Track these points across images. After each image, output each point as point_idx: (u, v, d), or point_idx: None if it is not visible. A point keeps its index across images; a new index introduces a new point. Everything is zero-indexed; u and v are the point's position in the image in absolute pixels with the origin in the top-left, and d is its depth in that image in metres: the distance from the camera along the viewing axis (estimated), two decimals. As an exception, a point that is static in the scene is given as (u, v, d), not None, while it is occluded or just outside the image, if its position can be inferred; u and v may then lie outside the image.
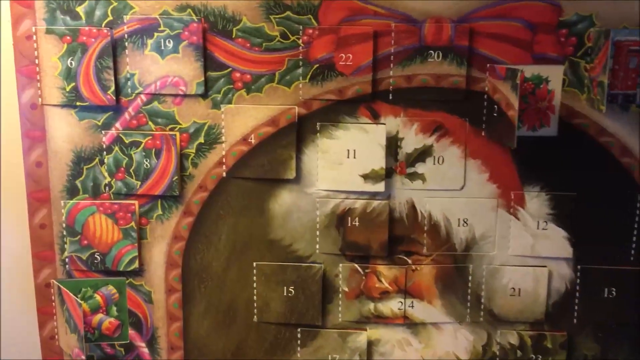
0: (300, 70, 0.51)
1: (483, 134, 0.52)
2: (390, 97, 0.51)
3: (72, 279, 0.55)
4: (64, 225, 0.54)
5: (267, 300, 0.55)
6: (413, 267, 0.54)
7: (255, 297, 0.55)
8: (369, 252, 0.54)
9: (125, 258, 0.54)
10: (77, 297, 0.54)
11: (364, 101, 0.51)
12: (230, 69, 0.51)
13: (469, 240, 0.54)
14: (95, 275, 0.55)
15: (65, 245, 0.54)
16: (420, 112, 0.52)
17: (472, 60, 0.50)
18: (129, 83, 0.51)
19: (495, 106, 0.50)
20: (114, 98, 0.51)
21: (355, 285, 0.54)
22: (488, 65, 0.50)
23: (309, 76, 0.51)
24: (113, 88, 0.51)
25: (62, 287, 0.54)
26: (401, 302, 0.55)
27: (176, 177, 0.52)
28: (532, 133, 0.51)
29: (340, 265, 0.54)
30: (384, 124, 0.52)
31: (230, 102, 0.52)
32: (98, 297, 0.55)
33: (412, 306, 0.55)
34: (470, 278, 0.54)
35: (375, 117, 0.52)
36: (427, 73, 0.51)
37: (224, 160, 0.53)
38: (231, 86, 0.51)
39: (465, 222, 0.53)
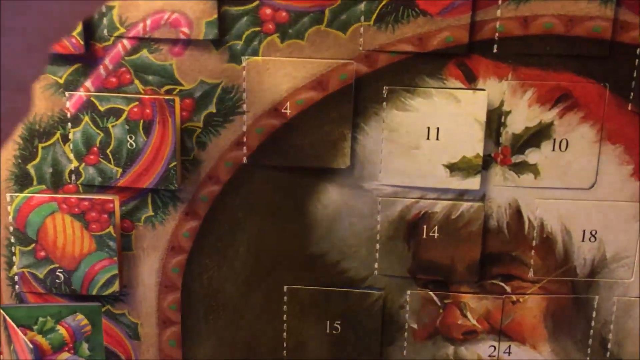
0: (362, 7, 0.34)
1: (630, 107, 0.35)
2: (495, 50, 0.34)
3: (23, 304, 0.38)
4: (11, 229, 0.37)
5: (302, 338, 0.39)
6: (513, 297, 0.38)
7: (285, 335, 0.39)
8: (452, 276, 0.37)
9: (100, 277, 0.38)
10: (32, 329, 0.38)
11: (455, 55, 0.34)
12: (257, 2, 0.34)
13: (597, 262, 0.37)
14: (58, 299, 0.38)
15: (14, 258, 0.38)
16: (538, 73, 0.35)
17: (623, -5, 0.34)
18: (105, 21, 0.34)
19: (661, 66, 0.33)
20: (82, 43, 0.34)
21: (428, 321, 0.38)
22: (648, 3, 0.34)
23: (374, 16, 0.34)
24: (81, 28, 0.34)
25: (7, 317, 0.37)
26: (494, 346, 0.38)
27: (174, 163, 0.36)
28: (703, 108, 0.34)
29: (409, 292, 0.38)
30: (484, 89, 0.35)
31: (256, 53, 0.35)
32: (62, 331, 0.39)
33: (509, 352, 0.39)
34: (594, 314, 0.38)
35: (471, 80, 0.35)
36: (554, 14, 0.34)
37: (244, 140, 0.36)
38: (258, 29, 0.34)
39: (593, 236, 0.37)
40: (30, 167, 0.37)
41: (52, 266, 0.37)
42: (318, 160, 0.36)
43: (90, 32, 0.35)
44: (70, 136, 0.36)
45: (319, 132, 0.35)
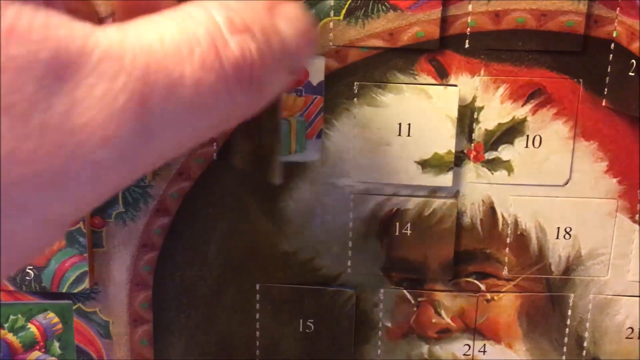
0: (331, 1, 0.33)
1: (604, 103, 0.35)
2: (467, 46, 0.34)
3: (-6, 302, 0.38)
4: (-20, 226, 0.37)
5: (274, 337, 0.38)
6: (488, 295, 0.37)
7: (258, 333, 0.38)
8: (425, 274, 0.37)
9: (70, 274, 0.37)
10: (3, 328, 0.38)
11: (426, 51, 0.34)
12: (225, -4, 0.34)
13: (572, 259, 0.37)
14: (29, 297, 0.38)
15: (-17, 255, 0.37)
16: (510, 69, 0.34)
17: (596, -11, 0.33)
18: (73, 16, 0.34)
19: (633, 61, 0.33)
20: None
21: (402, 320, 0.38)
22: (621, -3, 0.33)
23: (344, 11, 0.34)
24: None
25: (-23, 316, 0.37)
26: (468, 344, 0.38)
27: (144, 160, 0.35)
28: (678, 104, 0.34)
29: (382, 290, 0.38)
30: (456, 85, 0.34)
31: (225, 48, 0.34)
32: (33, 329, 0.38)
33: (484, 351, 0.38)
34: (569, 313, 0.38)
35: (443, 76, 0.35)
36: (526, 9, 0.33)
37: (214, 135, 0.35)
38: (227, 23, 0.34)
39: (567, 233, 0.36)
40: (-1, 164, 0.36)
41: (22, 263, 0.37)
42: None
43: (57, 27, 0.34)
44: (39, 132, 0.36)
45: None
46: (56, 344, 0.39)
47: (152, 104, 0.16)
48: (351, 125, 0.35)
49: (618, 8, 0.33)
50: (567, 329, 0.38)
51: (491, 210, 0.36)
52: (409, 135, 0.35)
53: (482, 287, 0.37)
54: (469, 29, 0.34)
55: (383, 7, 0.33)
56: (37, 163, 0.15)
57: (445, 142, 0.35)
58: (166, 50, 0.16)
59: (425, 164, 0.35)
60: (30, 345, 0.38)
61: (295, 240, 0.37)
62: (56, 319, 0.38)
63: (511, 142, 0.35)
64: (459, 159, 0.35)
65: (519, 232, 0.36)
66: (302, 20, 0.20)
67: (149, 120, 0.16)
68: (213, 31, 0.17)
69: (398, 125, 0.35)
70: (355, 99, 0.35)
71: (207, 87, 0.17)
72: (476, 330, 0.38)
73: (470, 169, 0.36)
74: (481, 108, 0.35)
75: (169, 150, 0.17)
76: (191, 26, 0.17)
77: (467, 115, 0.35)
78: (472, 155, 0.35)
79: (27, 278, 0.37)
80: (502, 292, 0.37)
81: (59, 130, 0.15)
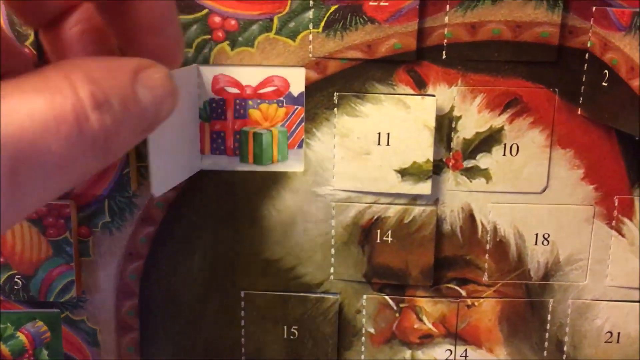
0: (310, 14, 0.34)
1: (580, 112, 0.35)
2: (444, 57, 0.35)
3: (-17, 311, 0.39)
4: (-32, 236, 0.38)
5: (259, 343, 0.39)
6: (468, 301, 0.38)
7: (243, 340, 0.39)
8: (406, 280, 0.37)
9: (57, 283, 0.38)
10: (-8, 336, 0.38)
11: (404, 62, 0.35)
12: (206, 10, 0.34)
13: (550, 265, 0.37)
14: (17, 306, 0.39)
15: (-28, 265, 0.38)
16: (487, 79, 0.35)
17: (570, 1, 0.34)
18: (57, 30, 0.35)
19: (606, 71, 0.33)
20: (36, 52, 0.35)
21: (385, 326, 0.38)
22: (594, 8, 0.34)
23: (323, 23, 0.34)
24: (33, 37, 0.35)
25: (-34, 325, 0.38)
26: (450, 349, 0.39)
27: (129, 169, 0.36)
28: (652, 112, 0.35)
29: (365, 297, 0.38)
30: (434, 95, 0.35)
31: (207, 61, 0.35)
32: (22, 337, 0.39)
33: (465, 356, 0.39)
34: (549, 317, 0.38)
35: (421, 86, 0.35)
36: (502, 20, 0.34)
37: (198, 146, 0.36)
38: (208, 37, 0.35)
39: (545, 239, 0.37)
40: (-13, 175, 0.37)
41: (10, 272, 0.38)
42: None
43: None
44: (25, 144, 0.36)
45: (270, 139, 0.36)
46: (45, 352, 0.39)
47: (21, 176, 0.17)
48: (331, 134, 0.36)
49: (592, 19, 0.34)
50: (547, 334, 0.38)
51: (470, 218, 0.37)
52: (388, 145, 0.35)
53: (463, 293, 0.38)
54: (445, 40, 0.34)
55: (361, 19, 0.34)
56: None
57: (423, 151, 0.35)
58: (35, 128, 0.18)
59: (404, 173, 0.36)
60: (19, 354, 0.39)
61: (278, 248, 0.38)
62: (44, 328, 0.39)
63: (489, 151, 0.36)
64: (438, 167, 0.36)
65: (498, 239, 0.37)
66: (163, 86, 0.21)
67: (17, 188, 0.17)
68: (77, 107, 0.19)
69: (377, 135, 0.35)
70: (335, 109, 0.35)
71: (69, 157, 0.19)
72: (457, 336, 0.38)
73: (449, 177, 0.36)
74: (459, 117, 0.35)
75: (34, 206, 0.19)
76: (59, 102, 0.18)
77: (445, 125, 0.36)
78: (450, 164, 0.36)
79: (15, 287, 0.38)
80: (483, 297, 0.38)
81: None
